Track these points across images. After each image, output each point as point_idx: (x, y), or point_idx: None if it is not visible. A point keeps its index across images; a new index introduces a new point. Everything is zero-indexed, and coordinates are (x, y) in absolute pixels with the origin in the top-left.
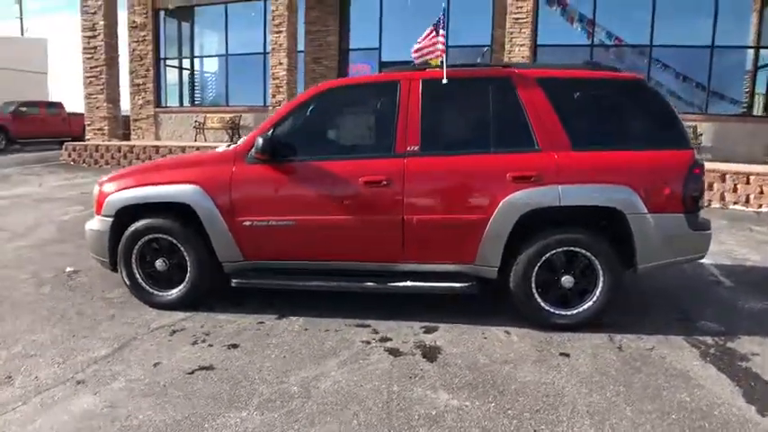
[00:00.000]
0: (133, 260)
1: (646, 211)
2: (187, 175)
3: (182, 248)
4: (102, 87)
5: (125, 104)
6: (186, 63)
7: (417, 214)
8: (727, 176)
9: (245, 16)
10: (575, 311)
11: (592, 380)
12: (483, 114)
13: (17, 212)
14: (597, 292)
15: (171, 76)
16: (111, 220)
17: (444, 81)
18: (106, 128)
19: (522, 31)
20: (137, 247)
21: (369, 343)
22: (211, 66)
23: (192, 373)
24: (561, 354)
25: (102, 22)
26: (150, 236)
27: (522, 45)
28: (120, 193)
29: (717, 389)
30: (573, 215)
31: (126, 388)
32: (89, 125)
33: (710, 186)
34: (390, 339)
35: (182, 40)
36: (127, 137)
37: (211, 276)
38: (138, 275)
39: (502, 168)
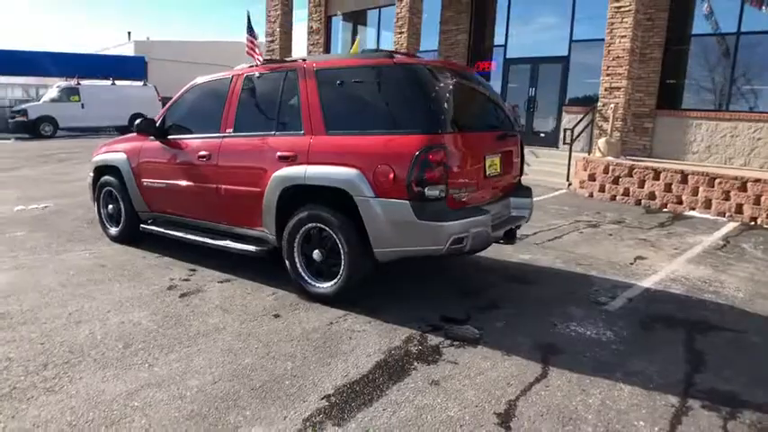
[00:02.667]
0: (100, 202)
1: (373, 194)
2: (123, 147)
3: (119, 199)
4: None
5: None
6: None
7: (224, 184)
8: None
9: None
10: (326, 285)
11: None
12: (275, 102)
13: None
14: (341, 270)
15: None
16: (92, 174)
17: (257, 75)
18: None
19: (624, 20)
20: (102, 194)
21: (173, 280)
22: None
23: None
24: (274, 315)
25: (278, 29)
26: (105, 188)
27: (623, 37)
28: (96, 157)
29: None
30: (320, 194)
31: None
32: None
33: None
34: (193, 281)
35: (351, 42)
36: None
37: (136, 222)
38: (102, 212)
39: (275, 149)
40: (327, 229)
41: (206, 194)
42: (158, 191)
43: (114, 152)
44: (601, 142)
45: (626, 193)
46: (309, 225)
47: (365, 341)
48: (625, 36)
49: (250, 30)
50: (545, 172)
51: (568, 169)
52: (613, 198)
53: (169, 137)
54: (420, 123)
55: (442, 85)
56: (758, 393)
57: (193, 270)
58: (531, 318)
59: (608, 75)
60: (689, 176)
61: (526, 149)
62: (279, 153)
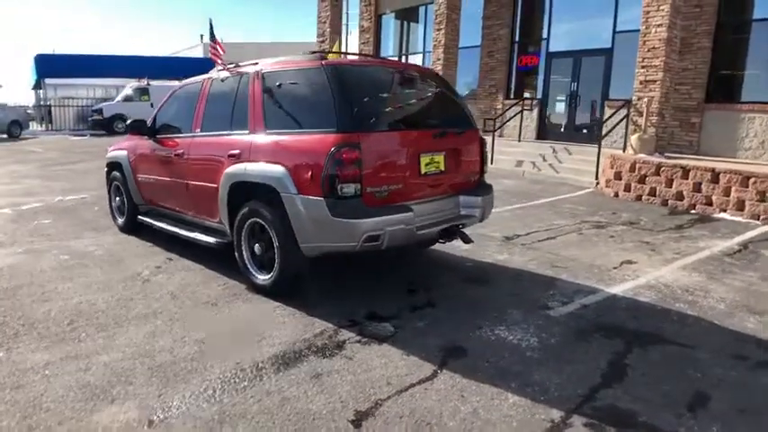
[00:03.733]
0: (111, 195)
1: (296, 191)
2: (126, 145)
3: (123, 192)
4: None
5: None
6: (403, 60)
7: (191, 180)
8: None
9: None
10: (265, 277)
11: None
12: (231, 104)
13: None
14: (276, 264)
15: None
16: (105, 169)
17: (221, 79)
18: None
19: (661, 8)
20: (111, 188)
21: (147, 267)
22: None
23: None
24: (212, 304)
25: (328, 30)
26: (114, 182)
27: (659, 26)
28: (108, 154)
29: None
30: (258, 190)
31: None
32: None
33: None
34: (164, 268)
35: (402, 38)
36: None
37: (135, 214)
38: (111, 204)
39: (227, 147)
40: (264, 224)
41: (180, 188)
42: (149, 185)
43: (120, 149)
44: (633, 138)
45: (652, 192)
46: (251, 220)
47: (279, 332)
48: (661, 25)
49: (212, 36)
50: (575, 170)
51: (597, 167)
52: (639, 198)
53: (158, 136)
54: (336, 123)
55: (364, 85)
56: (662, 417)
57: (170, 259)
58: (459, 319)
59: (643, 67)
60: (720, 175)
61: (560, 145)
62: (229, 151)
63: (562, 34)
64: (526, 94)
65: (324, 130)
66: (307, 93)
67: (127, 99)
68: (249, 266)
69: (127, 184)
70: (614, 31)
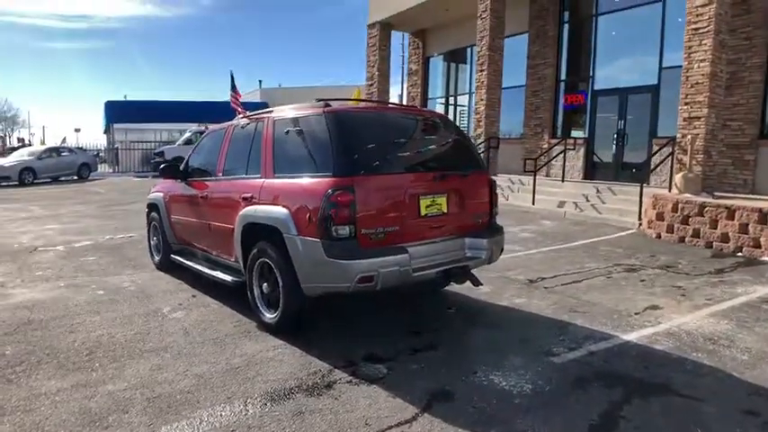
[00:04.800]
0: (150, 234)
1: (296, 233)
2: (162, 187)
3: (159, 231)
4: None
5: None
6: (450, 101)
7: (212, 221)
8: None
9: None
10: (271, 315)
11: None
12: (249, 149)
13: None
14: (280, 303)
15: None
16: (146, 210)
17: (241, 126)
18: None
19: (703, 43)
20: (150, 227)
21: (170, 303)
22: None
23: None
24: (220, 341)
25: (377, 73)
26: (152, 222)
27: (702, 61)
28: (149, 195)
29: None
30: (266, 231)
31: None
32: None
33: None
34: (185, 305)
35: (449, 79)
36: None
37: (169, 252)
38: (150, 243)
39: (242, 190)
40: (271, 263)
41: (204, 229)
42: (180, 225)
43: (158, 191)
44: (678, 177)
45: (696, 234)
46: (261, 259)
47: (275, 370)
48: (704, 60)
49: (233, 87)
50: (618, 210)
51: (640, 207)
52: (682, 240)
53: (189, 179)
54: (333, 167)
55: (363, 131)
56: None
57: (194, 296)
58: (455, 363)
59: (686, 103)
60: None
61: (604, 185)
62: (243, 194)
63: (607, 72)
64: (573, 134)
65: (322, 174)
66: (310, 138)
67: (187, 142)
68: (259, 304)
69: (162, 224)
70: (660, 68)
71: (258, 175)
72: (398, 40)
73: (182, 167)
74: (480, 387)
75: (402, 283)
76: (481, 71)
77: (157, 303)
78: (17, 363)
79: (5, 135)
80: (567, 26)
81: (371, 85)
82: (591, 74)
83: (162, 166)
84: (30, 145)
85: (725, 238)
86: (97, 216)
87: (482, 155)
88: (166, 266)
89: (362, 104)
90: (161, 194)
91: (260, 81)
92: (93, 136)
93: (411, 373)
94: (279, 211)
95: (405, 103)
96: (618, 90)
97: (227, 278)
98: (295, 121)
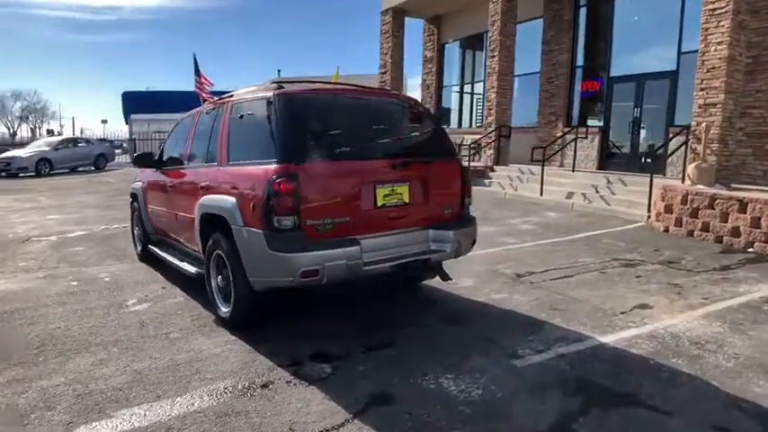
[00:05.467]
0: (133, 223)
1: (242, 223)
2: (142, 177)
3: (139, 221)
4: None
5: None
6: (466, 88)
7: (178, 211)
8: None
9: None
10: (226, 310)
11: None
12: (210, 135)
13: None
14: (232, 297)
15: (454, 100)
16: (130, 200)
17: (205, 111)
18: None
19: (721, 24)
20: (133, 217)
21: (138, 296)
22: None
23: None
24: (172, 335)
25: (389, 61)
26: (135, 212)
27: (719, 43)
28: (131, 186)
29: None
30: (219, 221)
31: None
32: None
33: None
34: (151, 297)
35: (464, 66)
36: None
37: (147, 242)
38: (133, 233)
39: (201, 179)
40: (223, 255)
41: (172, 218)
42: (155, 215)
43: (138, 181)
44: (690, 168)
45: (705, 227)
46: (215, 251)
47: (216, 368)
48: (721, 42)
49: (197, 70)
50: (628, 202)
51: (649, 199)
52: (690, 234)
53: (163, 168)
54: (277, 153)
55: (314, 115)
56: None
57: (164, 288)
58: (408, 364)
59: (702, 89)
60: None
61: (615, 176)
62: (201, 183)
63: (625, 57)
64: (588, 122)
65: (267, 161)
66: (259, 123)
67: None
68: (216, 298)
69: (141, 214)
70: (679, 53)
71: (215, 163)
72: (418, 27)
73: (157, 156)
74: (426, 391)
75: (353, 277)
76: (492, 57)
77: (125, 295)
78: None
79: (35, 127)
80: (583, 10)
81: (384, 72)
82: (607, 60)
83: (136, 154)
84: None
85: (735, 232)
86: (100, 206)
87: (492, 144)
88: (146, 257)
89: (321, 87)
90: (139, 184)
91: (278, 71)
92: (119, 127)
93: (357, 373)
94: (227, 200)
95: (421, 91)
96: (635, 77)
97: (192, 270)
98: (248, 105)
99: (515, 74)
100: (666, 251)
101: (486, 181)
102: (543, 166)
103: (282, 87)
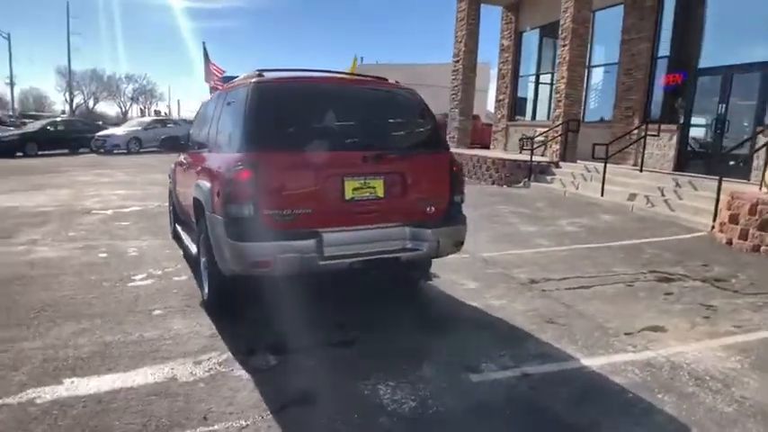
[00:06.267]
0: (171, 204)
1: (211, 210)
2: (176, 160)
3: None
4: (458, 102)
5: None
6: (543, 79)
7: (186, 191)
8: None
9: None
10: (206, 292)
11: None
12: (209, 122)
13: None
14: (206, 280)
15: (530, 91)
16: (169, 181)
17: (216, 97)
18: (456, 136)
19: None
20: (170, 198)
21: (149, 271)
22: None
23: None
24: (155, 312)
25: (463, 49)
26: (170, 192)
27: None
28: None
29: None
30: (203, 205)
31: None
32: (447, 134)
33: None
34: (162, 274)
35: (541, 56)
36: (486, 146)
37: (178, 221)
38: (170, 213)
39: (199, 164)
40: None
41: (184, 198)
42: (178, 194)
43: (173, 163)
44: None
45: None
46: (201, 234)
47: (172, 349)
48: None
49: (206, 58)
50: (694, 209)
51: (716, 207)
52: (756, 249)
53: (186, 151)
54: (241, 142)
55: (285, 104)
56: None
57: (178, 266)
58: (355, 364)
59: None
60: None
61: (686, 178)
62: (198, 167)
63: (715, 47)
64: (667, 118)
65: (235, 149)
66: (237, 112)
67: None
68: (202, 280)
69: (172, 194)
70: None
71: (207, 149)
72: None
73: (185, 140)
74: (356, 396)
75: (309, 270)
76: (564, 46)
77: (138, 270)
78: None
79: (144, 107)
80: None
81: (457, 61)
82: (695, 49)
83: (163, 137)
84: (167, 116)
85: None
86: (166, 184)
87: (559, 138)
88: (176, 235)
89: (300, 76)
90: (173, 166)
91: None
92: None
93: (300, 368)
94: (205, 186)
95: (496, 81)
96: (723, 69)
97: (194, 250)
98: (234, 93)
99: (592, 65)
100: (717, 267)
101: (548, 177)
102: (606, 164)
103: (262, 76)
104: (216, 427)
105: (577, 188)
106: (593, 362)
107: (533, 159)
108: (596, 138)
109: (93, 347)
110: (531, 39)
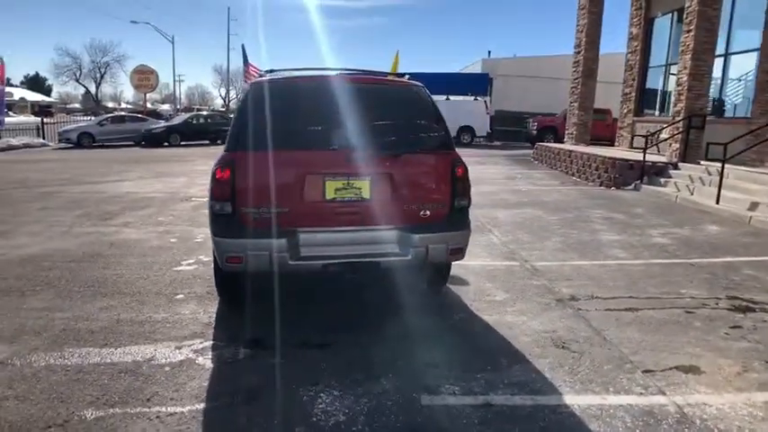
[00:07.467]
0: None
1: (209, 205)
2: None
3: None
4: (577, 96)
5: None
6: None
7: None
8: None
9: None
10: None
11: None
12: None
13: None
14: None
15: (661, 83)
16: None
17: None
18: (575, 132)
19: None
20: None
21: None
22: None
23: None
24: (174, 296)
25: (584, 39)
26: None
27: None
28: None
29: None
30: None
31: None
32: (567, 130)
33: None
34: (193, 261)
35: (671, 44)
36: (611, 143)
37: None
38: None
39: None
40: None
41: None
42: None
43: None
44: None
45: None
46: None
47: (170, 333)
48: None
49: (245, 60)
50: None
51: None
52: None
53: None
54: (227, 141)
55: (273, 104)
56: None
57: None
58: (315, 368)
59: None
60: None
61: None
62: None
63: None
64: None
65: (224, 148)
66: (238, 111)
67: None
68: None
69: None
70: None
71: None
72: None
73: None
74: (291, 401)
75: (280, 269)
76: (688, 32)
77: (190, 256)
78: (36, 284)
79: None
80: None
81: (578, 52)
82: None
83: None
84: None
85: None
86: None
87: (679, 136)
88: None
89: (296, 76)
90: None
91: (489, 51)
92: None
93: (259, 366)
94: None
95: (623, 72)
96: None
97: None
98: (242, 93)
99: (729, 52)
100: None
101: (662, 180)
102: (723, 166)
103: (263, 76)
104: (152, 409)
105: (692, 193)
106: (578, 400)
107: (649, 160)
108: (730, 135)
109: (105, 323)
110: (662, 25)
